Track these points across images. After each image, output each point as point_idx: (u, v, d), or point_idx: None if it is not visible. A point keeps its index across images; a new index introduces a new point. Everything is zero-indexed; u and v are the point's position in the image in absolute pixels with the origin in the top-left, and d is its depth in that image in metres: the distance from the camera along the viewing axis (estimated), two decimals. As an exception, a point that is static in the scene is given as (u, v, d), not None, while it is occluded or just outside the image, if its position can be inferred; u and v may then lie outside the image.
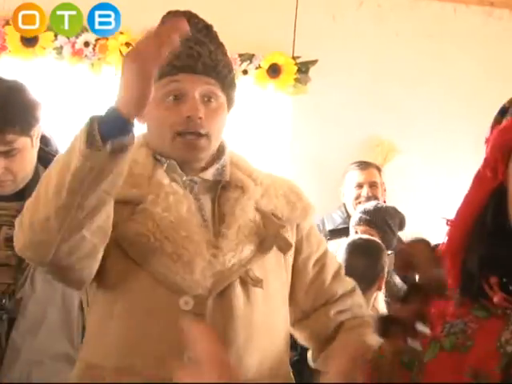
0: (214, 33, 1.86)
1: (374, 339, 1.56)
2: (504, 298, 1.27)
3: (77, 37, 4.29)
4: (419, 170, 4.77)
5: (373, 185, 4.27)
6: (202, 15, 4.39)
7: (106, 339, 1.75)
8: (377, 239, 3.24)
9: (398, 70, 4.86)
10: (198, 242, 1.77)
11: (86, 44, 4.36)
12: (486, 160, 1.37)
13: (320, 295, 1.98)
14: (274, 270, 1.87)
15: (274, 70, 4.60)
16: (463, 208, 1.42)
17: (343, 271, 2.03)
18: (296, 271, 1.94)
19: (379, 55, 4.84)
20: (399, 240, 3.76)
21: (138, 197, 1.77)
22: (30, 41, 4.22)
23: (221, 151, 1.90)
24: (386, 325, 1.27)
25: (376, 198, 4.14)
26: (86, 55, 4.37)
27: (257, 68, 4.60)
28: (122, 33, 4.35)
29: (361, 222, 3.61)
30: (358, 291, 2.03)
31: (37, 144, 2.27)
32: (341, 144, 4.67)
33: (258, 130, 4.73)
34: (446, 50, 4.92)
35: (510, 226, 1.32)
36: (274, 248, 1.86)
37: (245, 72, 4.59)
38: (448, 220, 1.45)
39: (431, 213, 4.12)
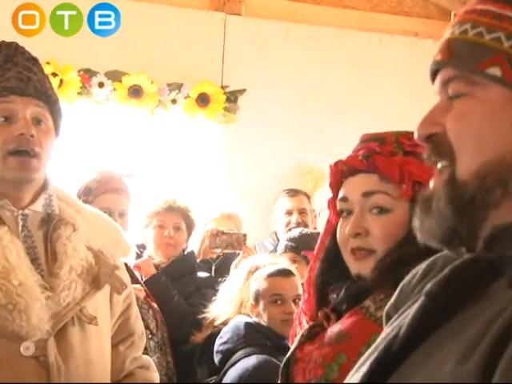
0: (40, 65, 1.89)
1: None
2: (323, 313, 1.53)
3: None
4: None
5: (302, 211, 4.22)
6: (132, 44, 4.39)
7: None
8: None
9: (326, 99, 4.90)
10: (32, 288, 1.76)
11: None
12: (328, 200, 1.59)
13: (122, 331, 2.04)
14: (103, 306, 1.92)
15: (203, 100, 4.61)
16: (318, 247, 1.62)
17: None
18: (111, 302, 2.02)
19: (307, 84, 4.88)
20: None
21: None
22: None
23: (46, 182, 1.90)
24: None
25: (306, 224, 4.09)
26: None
27: (186, 97, 4.60)
28: (48, 62, 4.31)
29: (287, 249, 3.55)
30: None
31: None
32: (271, 172, 4.70)
33: (189, 159, 4.75)
34: (372, 78, 5.00)
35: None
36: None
37: (174, 101, 4.60)
38: (310, 256, 1.69)
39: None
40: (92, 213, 2.00)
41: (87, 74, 4.42)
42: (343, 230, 1.51)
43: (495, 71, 0.85)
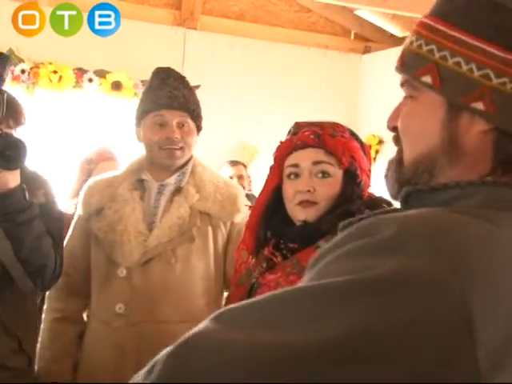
0: (187, 81, 2.17)
1: None
2: (270, 251, 1.58)
3: (15, 65, 4.44)
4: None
5: (240, 177, 4.47)
6: (115, 49, 4.50)
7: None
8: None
9: (260, 94, 5.14)
10: (130, 232, 2.03)
11: (23, 71, 4.47)
12: (271, 166, 1.68)
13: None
14: (199, 251, 2.07)
15: None
16: (258, 198, 1.70)
17: None
18: (228, 253, 2.13)
19: (247, 83, 5.12)
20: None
21: (101, 205, 2.08)
22: (-22, 68, 4.29)
23: (187, 162, 2.14)
24: None
25: (243, 187, 3.86)
26: (22, 80, 4.53)
27: (157, 91, 4.77)
28: (50, 63, 4.57)
29: None
30: None
31: None
32: (218, 147, 4.88)
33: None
34: (295, 79, 5.22)
35: (285, 210, 1.61)
36: (202, 237, 2.06)
37: (146, 94, 4.75)
38: (250, 206, 1.78)
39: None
40: (213, 184, 2.12)
41: (80, 71, 4.62)
42: (291, 187, 1.59)
43: (427, 79, 0.79)
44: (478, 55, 0.76)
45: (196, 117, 2.13)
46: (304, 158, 1.58)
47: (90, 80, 4.62)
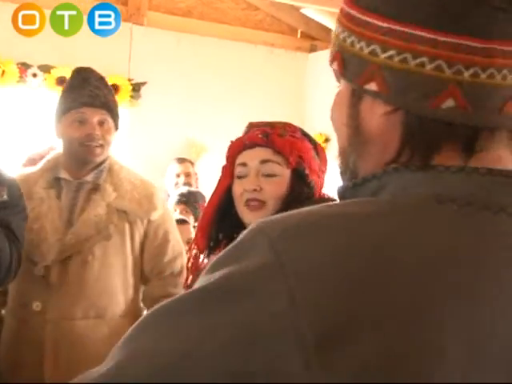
0: (106, 81, 2.26)
1: None
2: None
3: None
4: (223, 162, 4.97)
5: (187, 175, 4.49)
6: (60, 44, 4.44)
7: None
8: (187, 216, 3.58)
9: (208, 90, 5.15)
10: (47, 231, 2.08)
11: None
12: (223, 166, 1.68)
13: (156, 268, 2.24)
14: (116, 248, 2.13)
15: (114, 89, 4.41)
16: (211, 198, 1.69)
17: (179, 257, 2.30)
18: (144, 249, 2.21)
19: (193, 80, 5.12)
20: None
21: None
22: None
23: (104, 160, 2.21)
24: None
25: (190, 184, 4.38)
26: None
27: (101, 87, 4.72)
28: None
29: (179, 202, 3.81)
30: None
31: None
32: (165, 144, 4.91)
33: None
34: (241, 76, 5.25)
35: (235, 209, 1.62)
36: (120, 234, 2.13)
37: (92, 90, 4.69)
38: (201, 205, 1.72)
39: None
40: (130, 183, 2.19)
41: (24, 66, 4.55)
42: (240, 186, 1.59)
43: (335, 66, 0.72)
44: (365, 30, 0.67)
45: (115, 116, 2.21)
46: (252, 158, 1.59)
47: (35, 75, 4.57)
